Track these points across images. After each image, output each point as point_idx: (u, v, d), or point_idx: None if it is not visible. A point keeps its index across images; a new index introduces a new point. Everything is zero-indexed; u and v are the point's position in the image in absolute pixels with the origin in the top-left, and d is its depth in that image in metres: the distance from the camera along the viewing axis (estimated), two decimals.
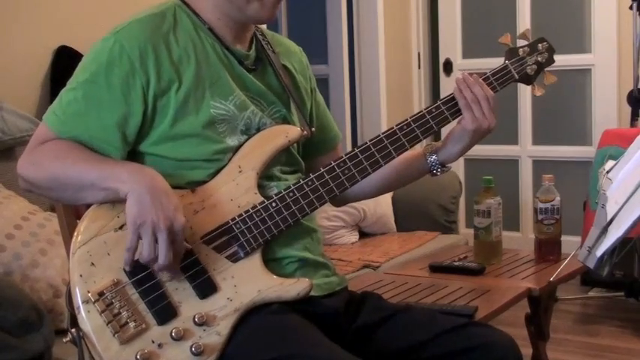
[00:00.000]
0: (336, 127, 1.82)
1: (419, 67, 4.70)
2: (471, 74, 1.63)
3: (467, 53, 4.57)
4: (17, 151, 2.50)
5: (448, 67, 4.60)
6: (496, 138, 4.20)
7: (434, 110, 1.60)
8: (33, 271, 2.09)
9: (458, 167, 4.48)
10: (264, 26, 1.75)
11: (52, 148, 1.46)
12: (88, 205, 1.46)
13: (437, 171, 1.67)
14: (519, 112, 4.44)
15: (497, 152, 4.50)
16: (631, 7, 3.67)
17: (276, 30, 4.44)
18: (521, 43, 1.71)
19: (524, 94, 4.35)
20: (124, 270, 1.41)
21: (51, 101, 2.76)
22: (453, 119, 1.62)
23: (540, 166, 4.38)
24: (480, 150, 4.38)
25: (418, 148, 1.67)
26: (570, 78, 4.25)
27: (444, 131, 1.70)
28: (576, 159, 4.31)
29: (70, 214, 1.60)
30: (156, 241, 1.37)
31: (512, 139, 4.48)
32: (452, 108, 1.61)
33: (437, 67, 4.70)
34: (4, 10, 2.73)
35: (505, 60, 1.68)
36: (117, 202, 1.42)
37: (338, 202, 1.73)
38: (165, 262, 1.38)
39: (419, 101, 4.68)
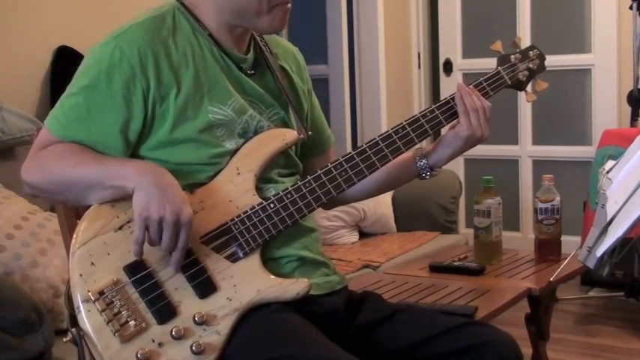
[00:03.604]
0: (329, 130, 1.83)
1: (419, 67, 4.70)
2: (467, 85, 1.65)
3: (467, 53, 4.57)
4: (17, 151, 2.50)
5: (448, 67, 4.60)
6: (496, 138, 4.21)
7: (428, 114, 1.62)
8: (33, 271, 2.09)
9: (458, 167, 4.48)
10: None
11: (55, 150, 1.46)
12: (88, 206, 1.46)
13: (426, 175, 1.69)
14: (519, 112, 4.44)
15: (497, 152, 4.50)
16: (631, 7, 3.67)
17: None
18: (512, 51, 1.75)
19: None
20: (124, 269, 1.42)
21: (51, 101, 2.77)
22: (447, 123, 1.65)
23: (540, 166, 4.38)
24: (480, 150, 4.34)
25: (408, 152, 1.69)
26: (570, 78, 4.25)
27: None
28: (576, 159, 4.30)
29: (70, 214, 1.60)
30: (161, 233, 1.38)
31: (512, 139, 4.48)
32: (446, 112, 1.64)
33: (437, 67, 4.70)
34: (4, 10, 2.73)
35: (497, 66, 1.72)
36: (120, 200, 1.43)
37: (329, 205, 1.74)
38: (167, 250, 1.39)
39: (419, 101, 4.68)
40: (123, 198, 1.42)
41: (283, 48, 1.73)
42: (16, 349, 1.79)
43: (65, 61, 2.81)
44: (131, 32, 1.48)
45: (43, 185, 1.47)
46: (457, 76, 4.53)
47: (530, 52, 1.75)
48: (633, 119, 3.63)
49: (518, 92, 1.78)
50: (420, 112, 1.63)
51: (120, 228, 1.43)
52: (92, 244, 1.42)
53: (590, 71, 4.24)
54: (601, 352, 3.13)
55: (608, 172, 1.46)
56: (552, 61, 1.79)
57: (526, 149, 4.48)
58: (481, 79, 1.69)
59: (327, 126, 1.83)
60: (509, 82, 1.71)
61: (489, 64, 1.74)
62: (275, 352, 1.38)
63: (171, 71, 1.48)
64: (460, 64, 4.57)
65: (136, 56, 1.45)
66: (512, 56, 1.73)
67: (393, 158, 1.59)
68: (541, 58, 1.75)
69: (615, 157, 1.50)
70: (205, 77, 1.51)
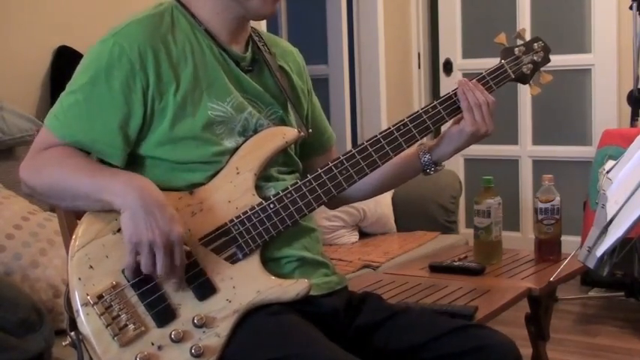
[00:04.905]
0: (331, 129, 1.82)
1: (419, 67, 4.70)
2: (470, 79, 1.63)
3: (467, 53, 4.57)
4: (17, 151, 2.50)
5: (448, 67, 4.60)
6: (496, 138, 4.20)
7: (430, 110, 1.61)
8: (33, 271, 2.09)
9: (458, 167, 4.48)
10: (261, 27, 1.75)
11: (53, 155, 1.46)
12: None
13: (430, 170, 1.68)
14: (519, 112, 4.44)
15: (497, 152, 4.50)
16: (631, 7, 3.67)
17: (276, 30, 4.44)
18: (517, 42, 1.72)
19: (524, 94, 4.35)
20: (123, 272, 1.41)
21: (51, 101, 2.77)
22: (450, 119, 1.63)
23: (540, 166, 4.38)
24: (480, 150, 4.38)
25: (411, 147, 1.67)
26: (570, 78, 4.25)
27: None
28: (576, 159, 4.30)
29: (70, 214, 1.60)
30: (154, 257, 1.38)
31: (513, 139, 4.48)
32: (448, 107, 1.62)
33: (437, 67, 4.70)
34: (4, 10, 2.73)
35: (501, 59, 1.69)
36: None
37: (333, 204, 1.73)
38: (163, 273, 1.38)
39: (419, 101, 4.68)
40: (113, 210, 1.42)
41: (283, 48, 1.73)
42: (16, 349, 1.79)
43: (65, 61, 2.81)
44: (130, 29, 1.48)
45: (37, 188, 1.47)
46: (457, 76, 4.52)
47: (535, 45, 1.71)
48: (633, 119, 3.62)
49: (519, 85, 1.75)
50: (422, 108, 1.60)
51: (119, 230, 1.42)
52: (91, 247, 1.41)
53: (590, 71, 4.24)
54: (601, 352, 3.13)
55: (608, 172, 1.46)
56: (552, 61, 1.78)
57: (526, 149, 4.47)
58: (484, 72, 1.66)
59: (329, 126, 1.82)
60: (513, 76, 1.69)
61: (489, 64, 1.71)
62: (275, 353, 1.38)
63: (171, 68, 1.48)
64: (460, 64, 4.57)
65: (135, 53, 1.45)
66: (516, 49, 1.70)
67: (395, 155, 1.58)
68: (546, 50, 1.72)
69: (615, 157, 1.50)
70: (204, 74, 1.51)
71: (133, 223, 1.37)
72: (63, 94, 1.50)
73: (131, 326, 1.39)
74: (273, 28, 4.35)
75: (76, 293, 1.39)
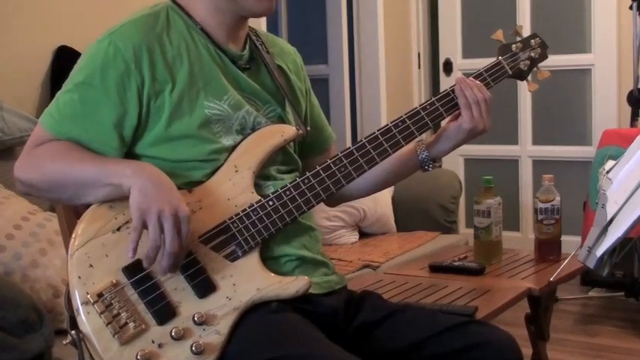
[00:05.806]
0: (330, 129, 1.82)
1: (419, 67, 4.70)
2: (467, 77, 1.64)
3: (467, 53, 4.57)
4: (17, 151, 2.50)
5: (448, 67, 4.60)
6: (496, 138, 4.23)
7: (428, 107, 1.61)
8: (33, 271, 2.09)
9: (458, 167, 4.48)
10: (259, 26, 1.75)
11: (50, 149, 1.46)
12: (88, 206, 1.46)
13: (428, 167, 1.68)
14: (519, 112, 4.44)
15: (497, 152, 4.50)
16: (631, 7, 3.67)
17: (276, 30, 4.45)
18: (515, 39, 1.73)
19: (524, 93, 4.35)
20: (123, 270, 1.41)
21: (51, 101, 2.77)
22: (447, 115, 1.63)
23: (540, 166, 4.38)
24: (480, 150, 4.39)
25: (409, 144, 1.68)
26: (570, 78, 4.25)
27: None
28: (576, 159, 4.31)
29: (70, 214, 1.60)
30: (161, 228, 1.37)
31: (513, 139, 4.48)
32: (446, 104, 1.62)
33: (437, 67, 4.70)
34: (4, 10, 2.73)
35: (498, 56, 1.70)
36: (117, 201, 1.43)
37: (332, 202, 1.73)
38: (172, 249, 1.37)
39: (419, 101, 4.68)
40: (119, 199, 1.42)
41: (280, 47, 1.73)
42: (16, 349, 1.79)
43: (65, 61, 2.81)
44: (125, 29, 1.49)
45: (36, 184, 1.47)
46: (457, 76, 4.52)
47: (532, 41, 1.72)
48: (633, 119, 3.63)
49: (519, 85, 1.76)
50: (421, 105, 1.61)
51: (118, 229, 1.43)
52: (90, 246, 1.41)
53: (590, 71, 4.24)
54: (601, 352, 3.13)
55: (608, 172, 1.46)
56: (552, 61, 1.78)
57: (526, 149, 4.47)
58: (482, 69, 1.67)
59: (328, 125, 1.82)
60: (510, 72, 1.69)
61: None
62: (275, 352, 1.38)
63: (166, 67, 1.48)
64: (460, 64, 4.57)
65: (130, 52, 1.46)
66: (513, 45, 1.70)
67: (393, 152, 1.58)
68: (543, 46, 1.72)
69: (615, 157, 1.50)
70: (200, 73, 1.51)
71: (142, 194, 1.37)
72: (59, 92, 1.50)
73: (131, 324, 1.39)
74: (273, 28, 4.36)
75: (76, 292, 1.39)
